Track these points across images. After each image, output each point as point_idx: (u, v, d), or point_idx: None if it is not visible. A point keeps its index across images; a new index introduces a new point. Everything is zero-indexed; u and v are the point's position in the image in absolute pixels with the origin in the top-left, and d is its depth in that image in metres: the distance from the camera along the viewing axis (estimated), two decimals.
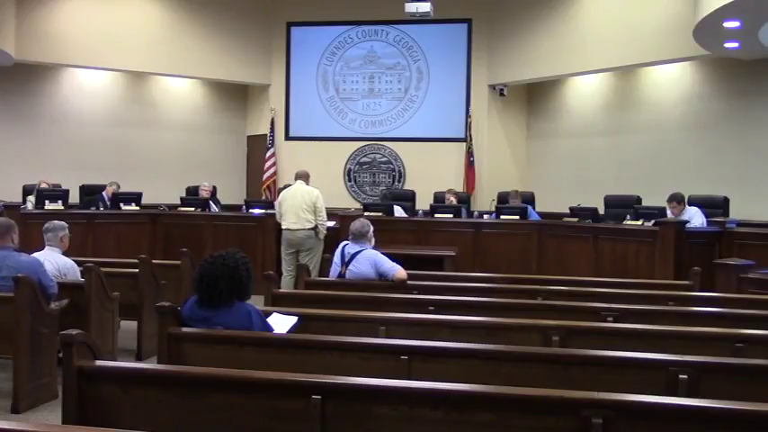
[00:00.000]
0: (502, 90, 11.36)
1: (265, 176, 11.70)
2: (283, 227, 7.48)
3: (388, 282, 4.97)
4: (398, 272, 4.97)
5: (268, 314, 3.58)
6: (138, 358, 5.51)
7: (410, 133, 11.67)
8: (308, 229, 7.36)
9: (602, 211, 8.41)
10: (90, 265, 4.91)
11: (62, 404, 2.63)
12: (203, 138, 12.23)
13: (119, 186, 9.52)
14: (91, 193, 9.51)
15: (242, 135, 12.67)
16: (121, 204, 8.79)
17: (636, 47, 9.16)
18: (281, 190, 9.64)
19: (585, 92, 10.86)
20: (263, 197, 11.18)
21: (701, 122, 9.21)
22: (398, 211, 8.86)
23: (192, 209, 9.12)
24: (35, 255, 5.08)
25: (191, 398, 2.54)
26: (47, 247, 5.16)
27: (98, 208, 8.95)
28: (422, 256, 7.17)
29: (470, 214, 9.19)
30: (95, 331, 4.69)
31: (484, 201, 10.49)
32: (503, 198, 9.59)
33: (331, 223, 7.83)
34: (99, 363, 2.66)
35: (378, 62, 11.80)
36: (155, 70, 11.42)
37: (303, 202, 7.37)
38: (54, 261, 5.05)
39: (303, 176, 7.59)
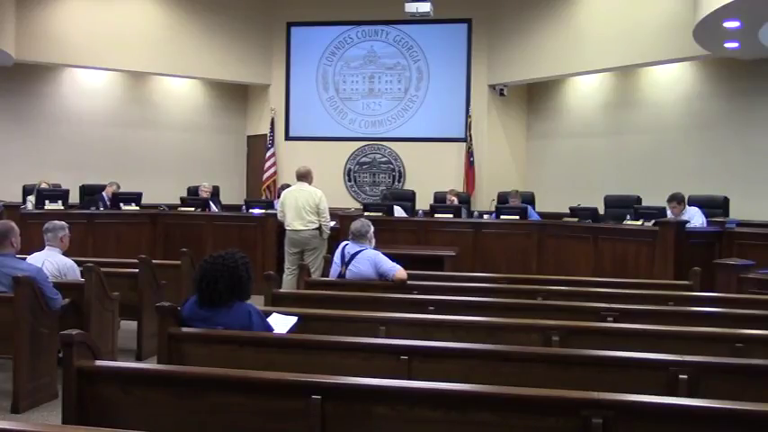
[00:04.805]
0: (502, 90, 11.36)
1: (265, 176, 11.70)
2: (287, 227, 7.48)
3: (388, 282, 4.97)
4: (398, 272, 4.97)
5: (268, 314, 3.58)
6: (138, 358, 5.50)
7: (410, 133, 11.66)
8: (312, 229, 7.36)
9: (602, 211, 8.41)
10: (90, 265, 4.90)
11: (62, 404, 2.63)
12: (203, 138, 12.23)
13: (119, 186, 9.52)
14: (91, 193, 9.52)
15: (242, 135, 12.67)
16: (121, 204, 8.78)
17: (636, 47, 9.16)
18: (281, 188, 9.66)
19: (585, 92, 10.86)
20: (263, 197, 11.18)
21: (701, 122, 9.21)
22: (398, 211, 8.85)
23: (192, 209, 9.12)
24: (35, 255, 5.10)
25: (191, 398, 2.54)
26: (47, 248, 5.16)
27: (98, 208, 8.95)
28: (422, 256, 7.17)
29: (470, 214, 9.19)
30: (95, 331, 4.69)
31: (484, 201, 10.49)
32: (503, 198, 9.59)
33: (332, 223, 7.83)
34: (99, 363, 2.66)
35: (378, 62, 11.80)
36: (155, 70, 11.42)
37: (306, 203, 7.36)
38: (54, 261, 5.05)
39: (304, 176, 7.56)
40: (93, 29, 10.48)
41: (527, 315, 3.98)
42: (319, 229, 7.38)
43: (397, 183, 11.70)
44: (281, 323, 3.54)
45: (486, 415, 2.29)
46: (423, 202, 9.92)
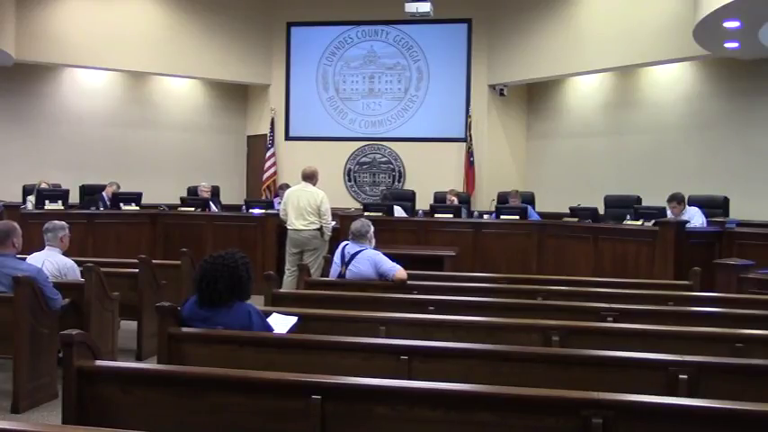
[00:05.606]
0: (502, 90, 11.36)
1: (265, 176, 11.71)
2: (288, 227, 7.48)
3: (388, 282, 4.97)
4: (398, 272, 4.97)
5: (268, 314, 3.58)
6: (138, 358, 5.50)
7: (410, 133, 11.67)
8: (314, 229, 7.36)
9: (602, 211, 8.41)
10: (90, 265, 4.90)
11: (62, 404, 2.62)
12: (203, 138, 12.23)
13: (119, 186, 9.52)
14: (91, 193, 9.51)
15: (242, 135, 12.67)
16: (121, 204, 8.78)
17: (636, 47, 9.16)
18: (280, 187, 9.66)
19: (585, 92, 10.86)
20: (263, 197, 11.18)
21: (701, 122, 9.21)
22: (398, 211, 8.85)
23: (192, 209, 9.11)
24: (35, 255, 5.10)
25: (191, 398, 2.54)
26: (47, 248, 5.16)
27: (98, 208, 8.95)
28: (422, 256, 7.17)
29: (470, 214, 9.19)
30: (95, 331, 4.69)
31: (484, 201, 10.49)
32: (503, 198, 9.59)
33: (332, 223, 7.82)
34: (99, 363, 2.66)
35: (378, 62, 11.80)
36: (155, 70, 11.42)
37: (308, 204, 7.36)
38: (54, 261, 5.05)
39: (309, 177, 7.55)
40: (93, 29, 10.48)
41: (527, 315, 3.97)
42: (320, 229, 7.38)
43: (397, 183, 11.70)
44: (281, 323, 3.54)
45: (485, 415, 2.29)
46: (423, 202, 9.92)
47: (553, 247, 7.95)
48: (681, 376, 2.71)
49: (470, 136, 11.22)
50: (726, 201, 7.87)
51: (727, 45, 7.80)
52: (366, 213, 8.22)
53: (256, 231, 8.50)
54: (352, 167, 11.89)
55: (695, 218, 7.18)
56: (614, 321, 3.92)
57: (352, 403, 2.40)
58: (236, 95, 12.58)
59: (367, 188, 11.85)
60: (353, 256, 5.11)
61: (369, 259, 5.07)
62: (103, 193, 9.35)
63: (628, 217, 7.43)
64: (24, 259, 4.82)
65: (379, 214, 8.45)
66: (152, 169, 11.52)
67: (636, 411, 2.24)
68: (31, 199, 8.45)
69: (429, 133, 11.58)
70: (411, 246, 7.89)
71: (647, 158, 9.75)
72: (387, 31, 11.72)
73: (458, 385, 2.40)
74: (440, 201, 9.75)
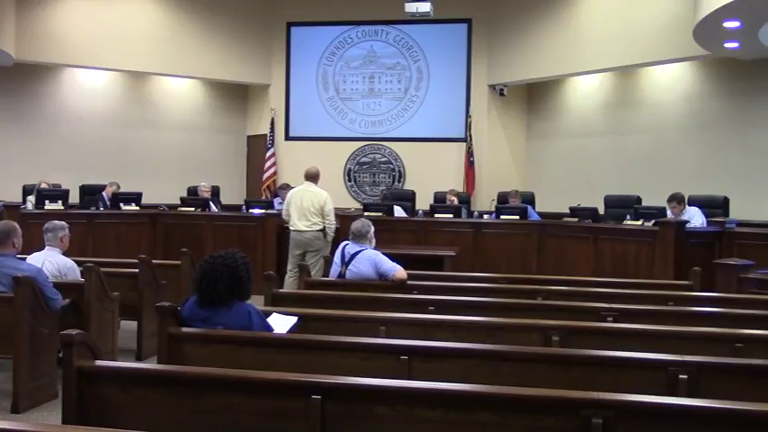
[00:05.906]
0: (502, 90, 11.36)
1: (265, 176, 11.71)
2: (291, 228, 7.46)
3: (388, 282, 4.97)
4: (398, 272, 4.97)
5: (268, 314, 3.58)
6: (138, 358, 5.50)
7: (410, 133, 11.67)
8: (317, 230, 7.33)
9: (602, 211, 8.41)
10: (90, 265, 4.90)
11: (62, 404, 2.63)
12: (203, 138, 12.23)
13: (119, 186, 9.52)
14: (91, 193, 9.52)
15: (242, 135, 12.67)
16: (121, 204, 8.78)
17: (636, 47, 9.17)
18: (280, 187, 9.65)
19: (585, 92, 10.86)
20: (263, 197, 11.18)
21: (701, 122, 9.22)
22: (398, 212, 8.85)
23: (192, 209, 9.12)
24: (35, 255, 5.10)
25: (191, 398, 2.54)
26: (47, 248, 5.16)
27: (98, 208, 8.95)
28: (422, 256, 7.17)
29: (470, 214, 9.19)
30: (95, 331, 4.69)
31: (484, 201, 10.49)
32: (503, 198, 9.59)
33: (335, 223, 7.80)
34: (99, 363, 2.66)
35: (378, 62, 11.80)
36: (155, 70, 11.42)
37: (311, 205, 7.33)
38: (54, 261, 5.05)
39: (312, 177, 7.52)
40: (93, 29, 10.49)
41: (527, 315, 3.98)
42: (323, 230, 7.35)
43: (397, 183, 11.70)
44: (281, 323, 3.54)
45: (485, 415, 2.29)
46: (423, 202, 9.92)
47: (553, 247, 7.95)
48: (681, 376, 2.71)
49: (470, 136, 11.21)
50: (726, 201, 7.87)
51: (727, 45, 7.81)
52: (366, 213, 8.22)
53: (256, 231, 8.51)
54: (352, 167, 11.89)
55: (695, 218, 7.18)
56: (614, 321, 3.92)
57: (352, 403, 2.40)
58: (236, 95, 12.58)
59: (367, 188, 11.85)
60: (353, 256, 5.11)
61: (369, 259, 5.07)
62: (103, 193, 9.35)
63: (628, 217, 7.43)
64: (24, 259, 4.82)
65: (379, 214, 8.45)
66: (152, 169, 11.52)
67: (636, 411, 2.24)
68: (31, 199, 8.45)
69: (429, 133, 11.58)
70: (411, 246, 7.88)
71: (647, 158, 9.75)
72: (387, 31, 11.72)
73: (458, 385, 2.40)
74: (440, 201, 9.75)
